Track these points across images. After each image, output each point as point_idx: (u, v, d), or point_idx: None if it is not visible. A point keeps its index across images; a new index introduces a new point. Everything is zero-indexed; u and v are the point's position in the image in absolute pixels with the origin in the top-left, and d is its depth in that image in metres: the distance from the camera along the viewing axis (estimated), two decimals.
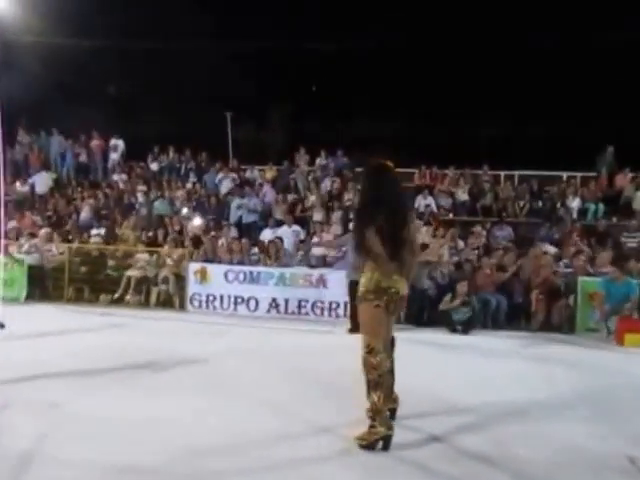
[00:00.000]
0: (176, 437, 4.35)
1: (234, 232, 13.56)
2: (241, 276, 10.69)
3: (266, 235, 13.11)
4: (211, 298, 10.77)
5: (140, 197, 16.08)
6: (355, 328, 9.46)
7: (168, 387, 5.70)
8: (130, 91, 22.63)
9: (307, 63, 23.10)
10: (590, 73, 20.26)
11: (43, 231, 12.24)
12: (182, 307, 10.85)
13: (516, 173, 16.95)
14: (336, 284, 10.05)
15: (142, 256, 11.37)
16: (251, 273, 10.70)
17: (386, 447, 4.13)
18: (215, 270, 10.85)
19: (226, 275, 10.75)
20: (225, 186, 16.55)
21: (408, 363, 5.15)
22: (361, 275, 4.40)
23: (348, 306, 9.74)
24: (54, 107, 18.75)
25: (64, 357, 6.71)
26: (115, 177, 17.86)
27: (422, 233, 12.18)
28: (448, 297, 9.54)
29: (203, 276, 10.78)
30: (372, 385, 4.19)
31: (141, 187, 16.97)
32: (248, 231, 14.08)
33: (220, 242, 12.16)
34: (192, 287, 10.86)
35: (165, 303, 11.02)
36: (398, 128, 20.71)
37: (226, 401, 5.30)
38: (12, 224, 12.87)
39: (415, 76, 22.37)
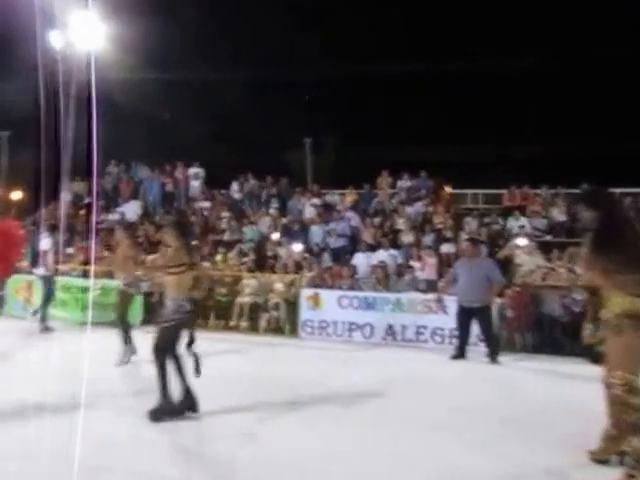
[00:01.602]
0: (374, 473, 4.11)
1: (327, 257, 13.30)
2: (355, 302, 10.36)
3: (359, 260, 12.78)
4: (324, 324, 10.47)
5: (227, 224, 16.05)
6: (458, 355, 8.92)
7: (339, 418, 5.45)
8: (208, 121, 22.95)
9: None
10: None
11: (150, 258, 12.16)
12: (293, 333, 10.58)
13: (617, 191, 16.17)
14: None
15: (249, 282, 11.17)
16: (366, 299, 10.36)
17: None
18: (328, 296, 10.56)
19: (340, 301, 10.44)
20: (308, 211, 16.39)
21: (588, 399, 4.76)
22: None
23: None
24: (142, 138, 19.11)
25: (216, 382, 6.45)
26: (198, 205, 17.95)
27: (535, 256, 11.69)
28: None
29: (316, 302, 10.51)
30: (632, 428, 3.76)
31: (225, 214, 17.00)
32: (337, 256, 13.79)
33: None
34: (304, 313, 10.60)
35: (275, 329, 10.77)
36: (484, 148, 20.23)
37: (409, 434, 5.00)
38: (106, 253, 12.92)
39: (500, 94, 21.97)
